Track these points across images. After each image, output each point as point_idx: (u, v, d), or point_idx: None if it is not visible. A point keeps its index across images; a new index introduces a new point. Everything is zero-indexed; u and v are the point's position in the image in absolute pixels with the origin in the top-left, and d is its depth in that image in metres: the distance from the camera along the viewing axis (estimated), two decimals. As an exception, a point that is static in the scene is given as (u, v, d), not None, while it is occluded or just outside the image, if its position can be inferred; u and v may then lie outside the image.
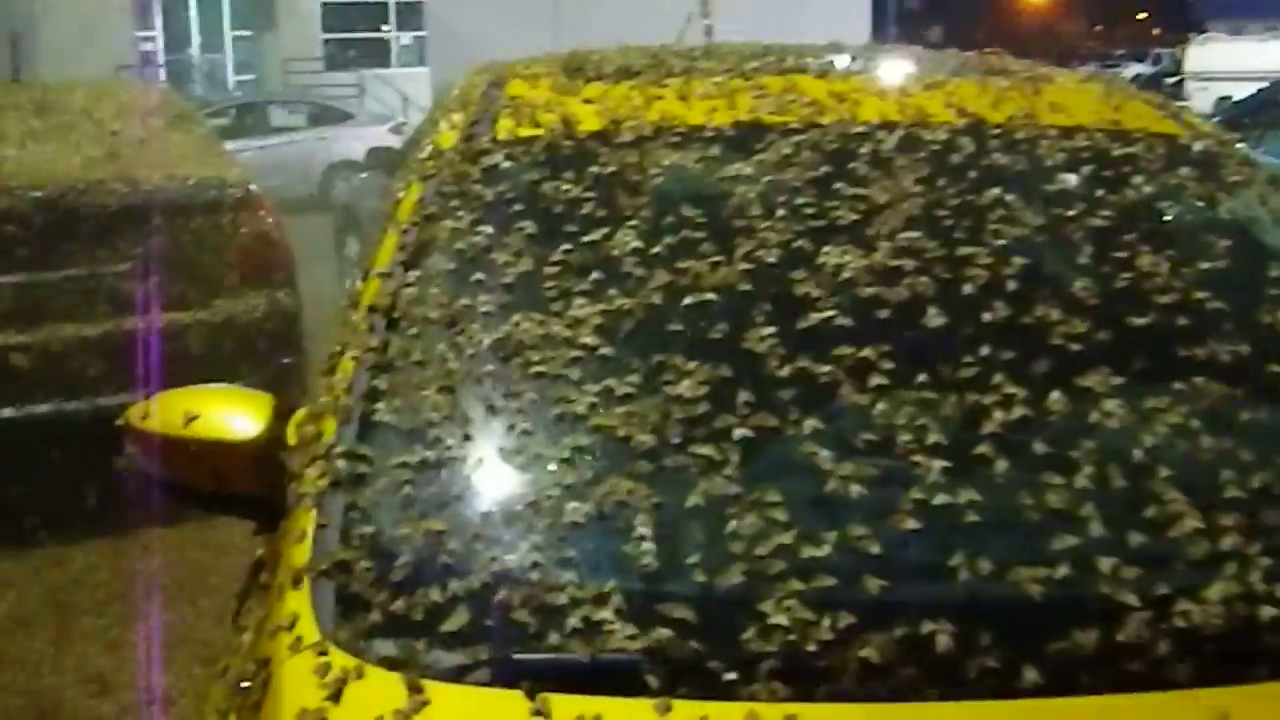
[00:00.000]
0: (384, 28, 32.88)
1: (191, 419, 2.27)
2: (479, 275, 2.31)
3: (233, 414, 2.29)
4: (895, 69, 3.32)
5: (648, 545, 1.84)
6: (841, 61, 3.25)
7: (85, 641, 5.16)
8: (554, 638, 1.75)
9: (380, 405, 2.10)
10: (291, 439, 2.24)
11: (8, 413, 5.92)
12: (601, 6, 26.43)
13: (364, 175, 11.86)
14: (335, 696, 1.71)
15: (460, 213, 2.46)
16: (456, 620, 1.78)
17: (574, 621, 1.76)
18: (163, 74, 26.24)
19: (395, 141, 17.99)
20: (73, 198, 6.00)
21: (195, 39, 28.82)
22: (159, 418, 2.32)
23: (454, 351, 2.15)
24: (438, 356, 2.15)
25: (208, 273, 6.18)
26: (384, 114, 23.32)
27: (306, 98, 22.73)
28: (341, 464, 2.01)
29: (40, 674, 4.94)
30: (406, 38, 33.02)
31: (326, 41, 31.60)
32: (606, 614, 1.76)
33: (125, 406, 5.39)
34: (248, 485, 2.26)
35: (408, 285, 2.32)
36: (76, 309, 5.96)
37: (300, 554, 1.92)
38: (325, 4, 31.56)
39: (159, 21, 27.32)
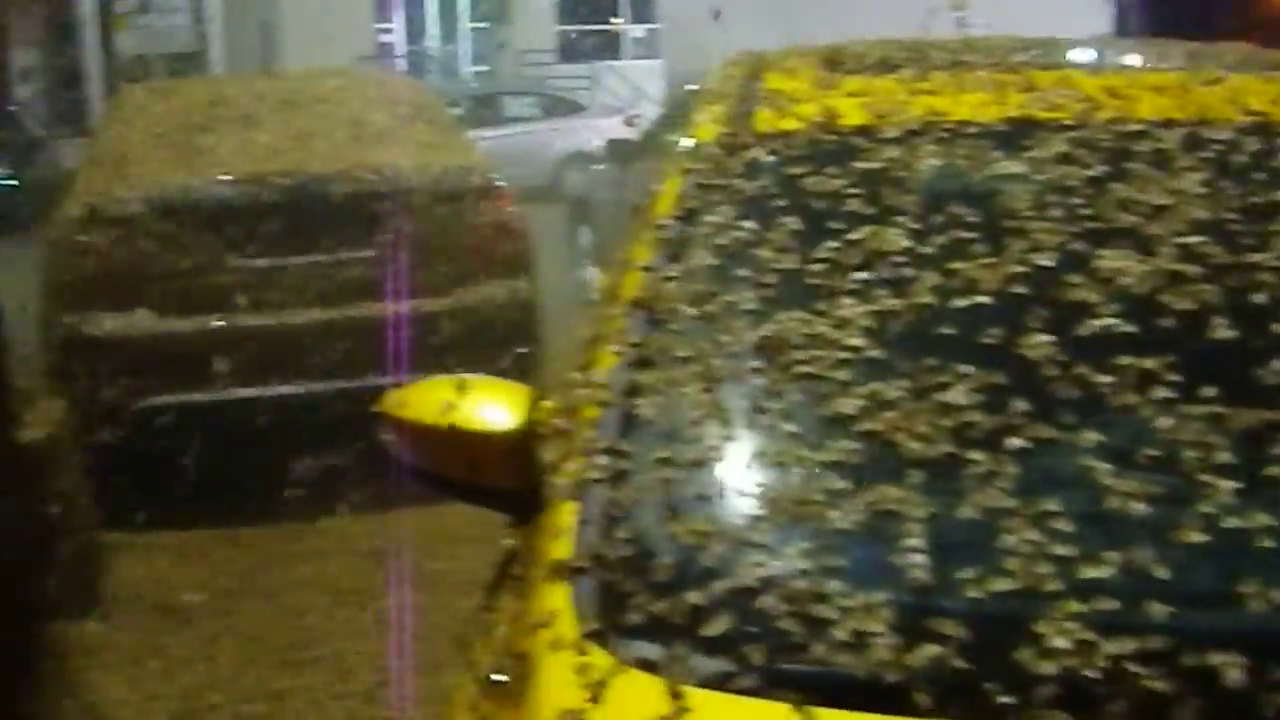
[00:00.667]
0: (616, 20, 33.13)
1: (449, 408, 2.27)
2: (742, 271, 2.26)
3: (490, 405, 2.28)
4: (1168, 63, 3.17)
5: (919, 557, 1.77)
6: (1110, 55, 3.12)
7: (322, 617, 5.29)
8: (820, 649, 1.69)
9: (642, 401, 2.06)
10: (545, 431, 2.22)
11: (253, 392, 6.12)
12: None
13: (598, 167, 11.98)
14: (596, 697, 1.68)
15: (722, 207, 2.42)
16: (719, 625, 1.74)
17: (841, 633, 1.70)
18: (401, 65, 26.94)
19: (629, 134, 18.14)
20: (320, 185, 6.18)
21: (433, 30, 29.45)
22: (416, 406, 2.32)
23: (717, 348, 2.11)
24: (700, 353, 2.11)
25: (449, 261, 6.29)
26: (616, 106, 23.48)
27: (540, 89, 23.04)
28: (603, 460, 1.98)
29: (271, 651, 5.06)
30: (639, 30, 33.23)
31: (559, 33, 32.00)
32: (875, 627, 1.70)
33: (366, 390, 5.53)
34: (503, 477, 2.25)
35: (669, 280, 2.28)
36: (322, 294, 6.14)
37: (559, 550, 1.90)
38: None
39: (398, 14, 28.00)
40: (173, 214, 6.09)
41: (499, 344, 6.27)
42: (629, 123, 19.80)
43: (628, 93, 27.30)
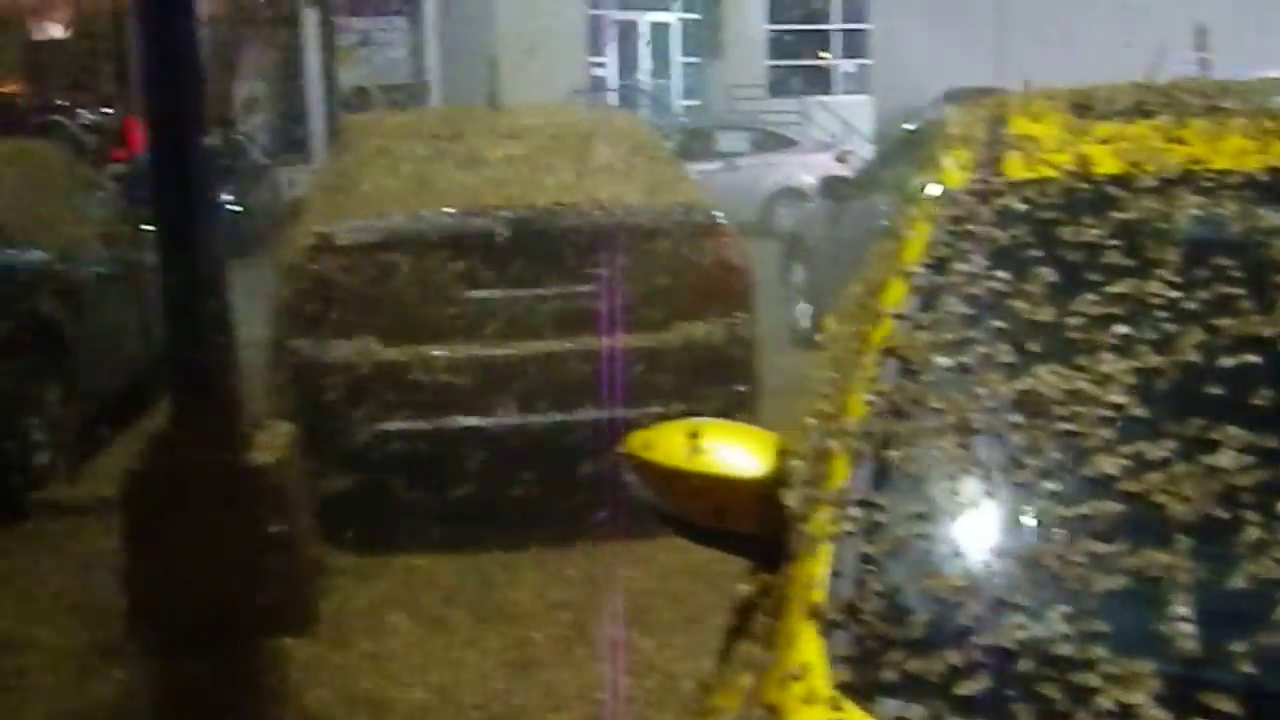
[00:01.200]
0: (826, 55, 33.06)
1: (694, 452, 2.27)
2: (997, 322, 2.21)
3: (737, 450, 2.27)
4: None
5: (1188, 626, 1.71)
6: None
7: (537, 645, 5.33)
8: (1081, 718, 1.64)
9: (896, 451, 2.03)
10: (793, 478, 2.20)
11: (473, 422, 6.22)
12: (1050, 38, 25.75)
13: (812, 204, 11.96)
14: (850, 754, 1.65)
15: (974, 256, 2.37)
16: (975, 686, 1.70)
17: (1105, 703, 1.64)
18: (613, 99, 27.27)
19: (841, 170, 18.06)
20: (546, 219, 6.27)
21: (645, 65, 29.75)
22: (661, 448, 2.33)
23: (973, 401, 2.07)
24: (955, 405, 2.07)
25: (672, 296, 6.32)
26: (827, 141, 23.42)
27: (751, 124, 23.09)
28: (855, 511, 1.96)
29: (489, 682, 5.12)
30: (849, 65, 33.09)
31: (770, 68, 32.05)
32: (1141, 698, 1.64)
33: (587, 423, 5.56)
34: (748, 523, 2.24)
35: (922, 329, 2.24)
36: (545, 326, 6.22)
37: (810, 601, 1.88)
38: (771, 32, 32.02)
39: (611, 48, 28.36)
40: (401, 244, 6.23)
41: (717, 381, 6.29)
42: (840, 159, 19.74)
43: (838, 128, 27.21)
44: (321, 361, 6.20)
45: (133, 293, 8.92)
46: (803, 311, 10.96)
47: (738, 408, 6.19)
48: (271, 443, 5.47)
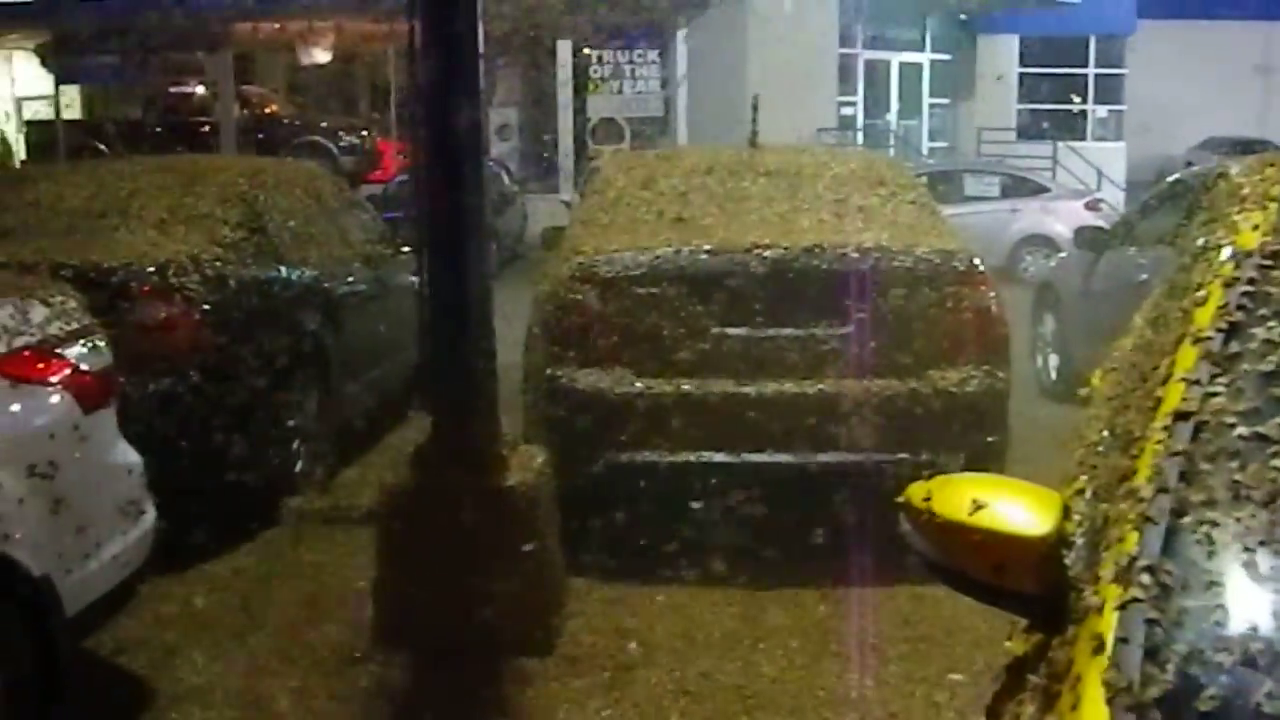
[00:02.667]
0: (1078, 100, 32.40)
1: (976, 508, 2.25)
2: None
3: (1019, 507, 2.25)
4: None
5: None
6: None
7: (772, 682, 5.32)
8: None
9: (1188, 518, 1.99)
10: (1078, 539, 2.17)
11: (720, 458, 6.27)
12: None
13: (1064, 253, 11.71)
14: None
15: (1272, 322, 2.31)
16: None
17: None
18: (860, 138, 27.17)
19: (1093, 218, 17.63)
20: (804, 260, 6.28)
21: (894, 105, 29.58)
22: (942, 501, 2.32)
23: (1270, 470, 2.01)
24: (1252, 474, 2.01)
25: (927, 343, 6.26)
26: (1078, 188, 22.92)
27: (1000, 168, 22.73)
28: (1145, 577, 1.92)
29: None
30: (1102, 110, 32.38)
31: (1021, 111, 31.56)
32: None
33: (834, 465, 5.53)
34: (1027, 582, 2.21)
35: (1215, 395, 2.19)
36: (798, 366, 6.23)
37: (1096, 668, 1.85)
38: (1023, 75, 31.53)
39: (860, 87, 28.27)
40: (659, 278, 6.31)
41: (969, 430, 6.21)
42: (1091, 206, 19.28)
43: (1090, 175, 26.63)
44: (576, 390, 6.31)
45: (389, 310, 9.23)
46: (1053, 362, 10.74)
47: (988, 458, 6.11)
48: (524, 466, 5.60)
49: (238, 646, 5.68)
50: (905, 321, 6.26)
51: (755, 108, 7.77)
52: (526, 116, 25.73)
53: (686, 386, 6.24)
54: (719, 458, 6.24)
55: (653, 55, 24.08)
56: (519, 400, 6.68)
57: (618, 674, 5.41)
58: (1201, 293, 2.55)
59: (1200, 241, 2.96)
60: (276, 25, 25.32)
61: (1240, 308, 2.38)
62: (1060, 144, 28.39)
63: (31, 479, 4.38)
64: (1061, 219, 18.15)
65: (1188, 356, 2.35)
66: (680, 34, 23.52)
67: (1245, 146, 30.91)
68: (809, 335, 6.25)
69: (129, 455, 5.14)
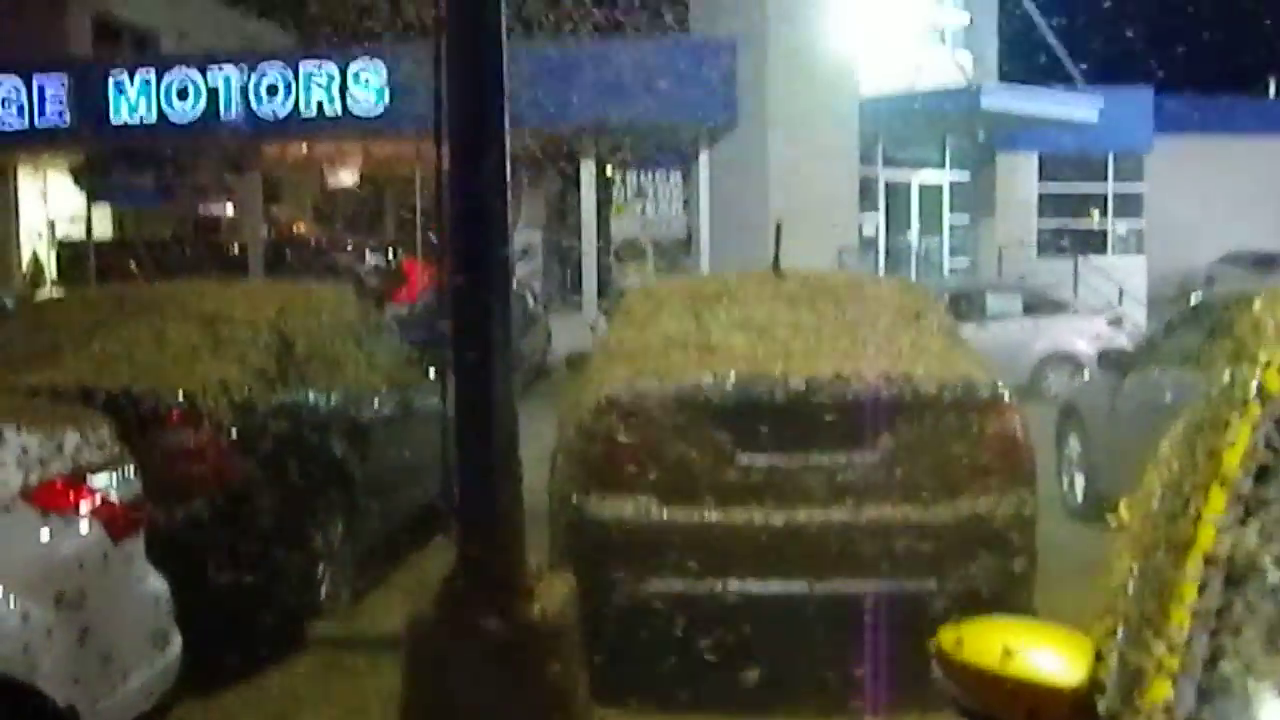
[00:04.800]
0: (1099, 215, 32.58)
1: (1007, 655, 2.25)
2: None
3: (1051, 655, 2.25)
4: None
5: None
6: None
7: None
8: None
9: (1223, 667, 1.98)
10: (1112, 688, 2.16)
11: (747, 587, 6.24)
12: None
13: (1088, 373, 11.70)
14: None
15: (1301, 466, 2.31)
16: None
17: None
18: (881, 257, 27.35)
19: (1114, 334, 17.65)
20: (828, 388, 6.30)
21: (914, 224, 29.76)
22: (973, 648, 2.32)
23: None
24: (1286, 621, 2.01)
25: (952, 471, 6.25)
26: (1099, 304, 22.97)
27: (1022, 285, 22.82)
28: (1181, 731, 1.91)
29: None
30: (1122, 226, 32.53)
31: (1041, 228, 31.73)
32: None
33: (859, 595, 5.48)
34: None
35: (1246, 539, 2.19)
36: (822, 494, 6.22)
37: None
38: (1043, 192, 31.77)
39: (882, 206, 28.49)
40: (685, 408, 6.33)
41: (994, 558, 6.18)
42: (1113, 322, 19.31)
43: (1111, 290, 26.70)
44: (602, 518, 6.32)
45: (414, 433, 9.28)
46: (1079, 484, 10.70)
47: (1014, 586, 6.07)
48: (551, 594, 5.57)
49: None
50: (931, 449, 6.26)
51: (778, 235, 7.84)
52: (550, 237, 26.00)
53: (713, 515, 6.24)
54: (745, 586, 6.21)
55: (675, 176, 24.34)
56: (544, 523, 6.67)
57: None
58: (1230, 433, 2.55)
59: (1226, 376, 2.96)
60: (304, 147, 25.70)
61: (1270, 449, 2.39)
62: (1081, 259, 28.50)
63: (60, 609, 4.40)
64: (1084, 336, 18.19)
65: (1218, 499, 2.35)
66: (703, 155, 23.78)
67: (1266, 260, 31.05)
68: (835, 463, 6.25)
69: (157, 584, 5.15)
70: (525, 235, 24.86)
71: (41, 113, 24.05)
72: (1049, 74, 30.99)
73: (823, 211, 23.29)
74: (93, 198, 27.40)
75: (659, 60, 22.28)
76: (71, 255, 27.75)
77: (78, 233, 27.96)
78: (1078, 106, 27.95)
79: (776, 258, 7.78)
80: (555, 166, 24.32)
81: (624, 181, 24.43)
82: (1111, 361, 10.66)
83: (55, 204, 28.56)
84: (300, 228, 28.71)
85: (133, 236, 28.72)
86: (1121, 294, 26.77)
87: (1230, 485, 2.35)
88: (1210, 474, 2.46)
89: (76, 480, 4.79)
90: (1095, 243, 31.67)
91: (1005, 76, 30.86)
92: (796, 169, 24.00)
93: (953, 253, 30.51)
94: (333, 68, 23.07)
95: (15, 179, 27.26)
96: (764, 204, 23.48)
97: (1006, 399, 6.42)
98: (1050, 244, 31.08)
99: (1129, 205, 32.47)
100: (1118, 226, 32.56)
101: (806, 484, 6.23)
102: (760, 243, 23.29)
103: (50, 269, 27.99)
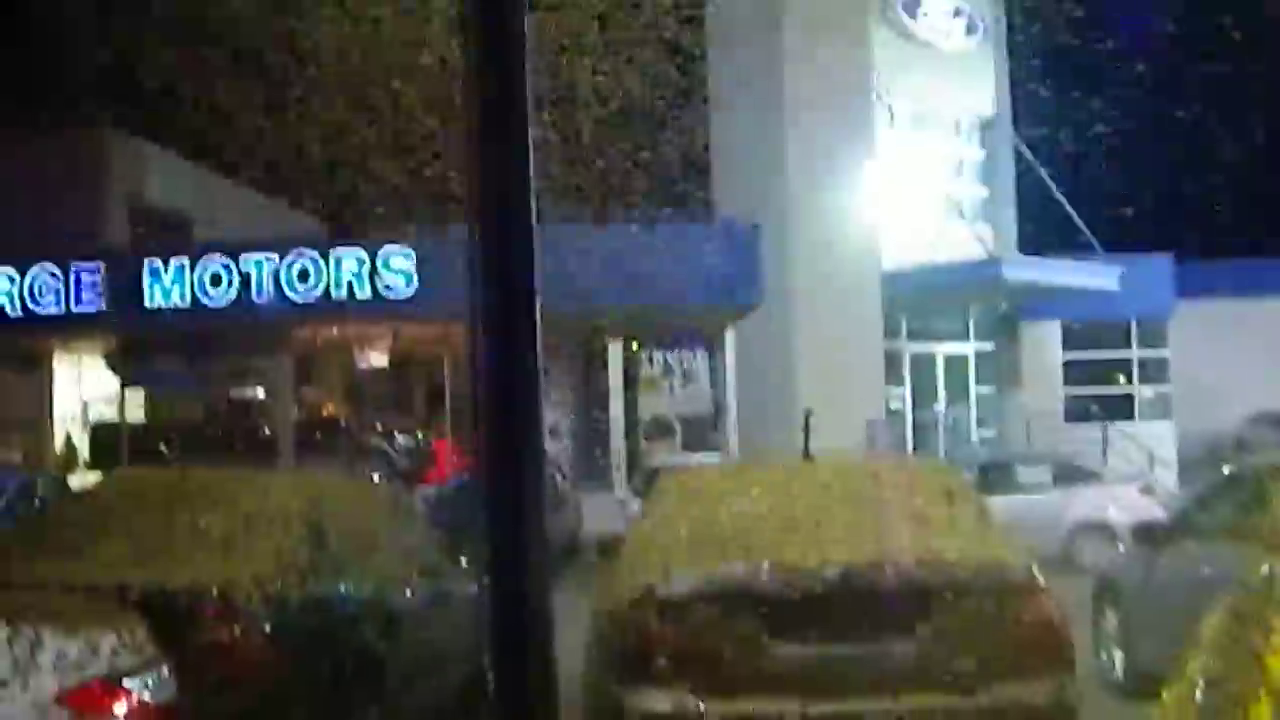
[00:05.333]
0: (1124, 381, 32.56)
1: None
2: None
3: None
4: None
5: None
6: None
7: None
8: None
9: None
10: None
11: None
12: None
13: (1123, 546, 11.59)
14: None
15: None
16: None
17: None
18: (909, 429, 27.36)
19: (1147, 503, 17.50)
20: (862, 576, 6.29)
21: (941, 395, 29.79)
22: None
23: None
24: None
25: (989, 655, 6.19)
26: (1130, 472, 22.86)
27: (1051, 454, 22.73)
28: None
29: None
30: (1149, 391, 32.48)
31: (1068, 395, 31.70)
32: None
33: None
34: None
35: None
36: (859, 683, 6.16)
37: None
38: (1067, 360, 31.82)
39: (907, 378, 28.58)
40: (720, 598, 6.32)
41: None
42: (1145, 490, 19.18)
43: (1141, 456, 26.59)
44: (639, 711, 6.26)
45: (446, 620, 9.25)
46: (1118, 658, 10.54)
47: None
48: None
49: None
50: (968, 635, 6.21)
51: (808, 425, 7.91)
52: (579, 415, 26.11)
53: (750, 706, 6.18)
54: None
55: (702, 354, 24.55)
56: (577, 714, 6.61)
57: None
58: (1275, 639, 2.55)
59: (1265, 569, 2.97)
60: (335, 330, 26.01)
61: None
62: (1109, 426, 28.41)
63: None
64: (1116, 504, 18.06)
65: (1264, 711, 2.35)
66: (729, 333, 23.99)
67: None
68: (871, 651, 6.21)
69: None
70: (553, 414, 24.96)
71: (78, 299, 24.45)
72: (1068, 241, 31.24)
73: (849, 385, 23.40)
74: (126, 381, 27.71)
75: (683, 244, 22.66)
76: (104, 438, 27.95)
77: (110, 415, 28.21)
78: (1098, 275, 28.13)
79: (806, 446, 7.83)
80: (582, 346, 24.55)
81: (651, 359, 24.63)
82: (1147, 535, 10.58)
83: (89, 387, 28.89)
84: (330, 409, 28.94)
85: (165, 419, 28.94)
86: (1152, 459, 26.64)
87: (1277, 695, 2.35)
88: (1256, 680, 2.47)
89: (112, 684, 4.80)
90: (1123, 408, 31.60)
91: (1024, 245, 31.13)
92: (822, 344, 24.19)
93: (980, 423, 30.46)
94: (363, 253, 23.47)
95: (50, 363, 27.61)
96: (790, 379, 23.64)
97: (1041, 582, 6.39)
98: (1077, 411, 31.00)
99: (1154, 370, 32.47)
100: (1144, 391, 32.51)
101: (845, 674, 6.18)
102: (787, 419, 23.41)
103: (83, 452, 28.18)
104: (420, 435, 26.79)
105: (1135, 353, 32.41)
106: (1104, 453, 26.36)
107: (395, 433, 26.46)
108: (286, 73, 26.42)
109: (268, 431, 26.78)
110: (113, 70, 28.24)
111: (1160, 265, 30.90)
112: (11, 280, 24.49)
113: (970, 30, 29.75)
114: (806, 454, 7.75)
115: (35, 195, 27.78)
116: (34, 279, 24.46)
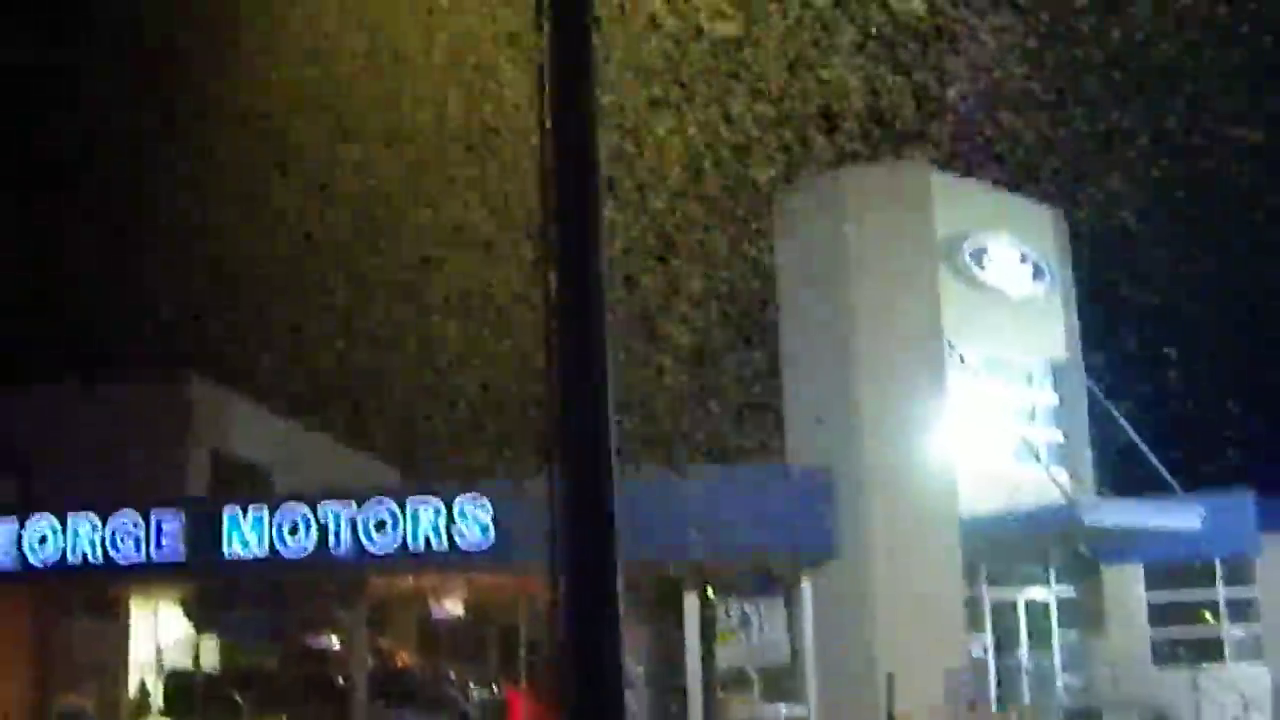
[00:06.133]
0: (1212, 622, 31.79)
1: None
2: None
3: None
4: None
5: None
6: None
7: None
8: None
9: None
10: None
11: None
12: None
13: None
14: None
15: None
16: None
17: None
18: (991, 678, 26.76)
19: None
20: None
21: (1023, 642, 29.19)
22: None
23: None
24: None
25: None
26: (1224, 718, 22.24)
27: (1137, 699, 22.18)
28: None
29: None
30: (1239, 631, 31.67)
31: (1154, 638, 30.98)
32: None
33: None
34: None
35: None
36: None
37: None
38: (1152, 603, 31.18)
39: (988, 625, 28.06)
40: None
41: None
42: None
43: (1233, 701, 25.85)
44: None
45: None
46: None
47: None
48: None
49: None
50: None
51: (890, 689, 7.82)
52: (654, 667, 25.82)
53: None
54: None
55: (778, 603, 24.32)
56: None
57: None
58: None
59: None
60: (410, 580, 26.08)
61: None
62: (1199, 671, 27.65)
63: None
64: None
65: None
66: (805, 582, 23.83)
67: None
68: None
69: None
70: (628, 667, 24.70)
71: (158, 546, 24.75)
72: (1146, 483, 30.90)
73: (928, 633, 23.04)
74: (201, 629, 27.79)
75: (757, 492, 22.67)
76: (178, 685, 27.93)
77: (185, 663, 28.22)
78: (1179, 515, 27.72)
79: (890, 714, 7.72)
80: (657, 594, 24.41)
81: (728, 610, 24.44)
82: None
83: (165, 634, 29.00)
84: (404, 659, 28.82)
85: (240, 667, 28.92)
86: (1246, 704, 25.85)
87: None
88: None
89: None
90: (1212, 650, 30.78)
91: (1102, 487, 30.81)
92: (900, 593, 23.92)
93: (1065, 669, 29.74)
94: (439, 503, 23.65)
95: (128, 610, 27.79)
96: (869, 632, 23.34)
97: None
98: (1165, 654, 30.24)
99: (1243, 610, 31.69)
100: (1234, 631, 31.70)
101: None
102: (866, 666, 23.06)
103: (156, 699, 28.14)
104: (494, 686, 26.56)
105: (1222, 591, 31.70)
106: (1195, 700, 25.63)
107: (469, 683, 26.26)
108: (370, 321, 27.04)
109: (341, 681, 26.65)
110: (198, 319, 29.03)
111: (1243, 502, 30.42)
112: (94, 527, 24.85)
113: (1037, 276, 30.01)
114: (890, 718, 7.65)
115: (119, 443, 28.35)
116: (115, 526, 24.83)
